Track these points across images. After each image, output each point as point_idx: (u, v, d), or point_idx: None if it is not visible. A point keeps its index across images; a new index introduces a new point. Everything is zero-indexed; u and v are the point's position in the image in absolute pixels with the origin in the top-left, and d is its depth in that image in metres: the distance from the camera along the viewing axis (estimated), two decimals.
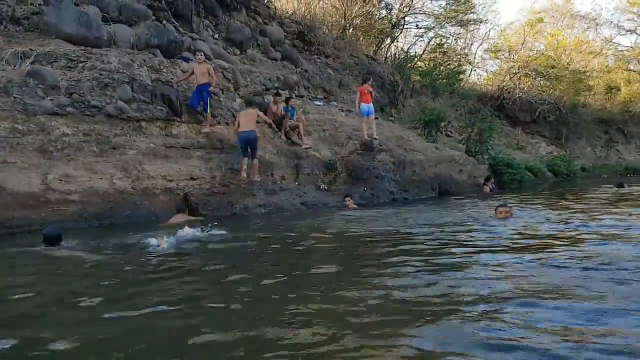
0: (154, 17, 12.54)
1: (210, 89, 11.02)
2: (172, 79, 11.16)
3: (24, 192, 7.66)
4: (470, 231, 6.31)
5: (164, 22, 12.85)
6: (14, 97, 8.64)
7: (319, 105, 16.15)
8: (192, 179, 9.92)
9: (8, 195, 7.49)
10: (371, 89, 14.06)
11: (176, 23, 13.28)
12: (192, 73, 11.08)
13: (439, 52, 27.19)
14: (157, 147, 9.82)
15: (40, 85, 9.09)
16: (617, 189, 13.37)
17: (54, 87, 9.20)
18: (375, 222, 8.01)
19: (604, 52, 38.54)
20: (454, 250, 5.05)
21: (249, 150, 10.49)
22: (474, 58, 32.98)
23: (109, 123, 9.44)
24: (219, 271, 4.48)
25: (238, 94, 13.14)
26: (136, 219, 8.41)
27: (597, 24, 38.57)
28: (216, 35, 15.05)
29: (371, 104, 13.73)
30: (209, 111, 10.99)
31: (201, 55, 11.28)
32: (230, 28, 15.39)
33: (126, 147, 9.35)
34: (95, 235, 6.81)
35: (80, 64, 9.98)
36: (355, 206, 10.88)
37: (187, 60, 12.27)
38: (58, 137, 8.65)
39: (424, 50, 27.06)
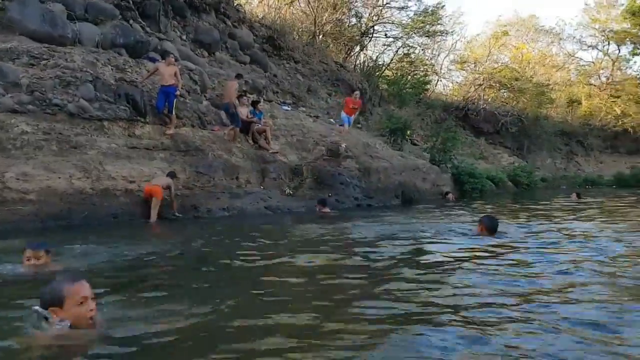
0: (120, 17, 12.38)
1: (177, 93, 10.96)
2: (137, 79, 11.04)
3: None
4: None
5: (131, 21, 12.70)
6: None
7: (287, 110, 16.22)
8: None
9: None
10: (356, 105, 14.84)
11: (143, 23, 13.14)
12: (155, 71, 10.99)
13: (406, 61, 27.62)
14: (119, 147, 9.68)
15: (1, 82, 8.87)
16: (577, 198, 14.03)
17: (15, 85, 8.99)
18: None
19: (566, 66, 39.94)
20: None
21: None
22: (441, 68, 33.64)
23: (70, 122, 9.27)
24: None
25: (205, 96, 13.09)
26: (94, 221, 8.27)
27: (561, 39, 40.04)
28: (184, 37, 14.95)
29: (352, 117, 14.52)
30: (174, 113, 10.92)
31: (172, 57, 11.23)
32: (198, 30, 15.31)
33: (87, 146, 9.18)
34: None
35: (43, 62, 9.78)
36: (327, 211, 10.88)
37: (153, 60, 12.16)
38: (17, 135, 8.45)
39: (392, 60, 27.45)
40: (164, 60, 11.26)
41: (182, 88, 11.50)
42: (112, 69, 10.66)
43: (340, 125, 15.70)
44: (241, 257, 5.29)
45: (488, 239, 6.11)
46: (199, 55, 14.77)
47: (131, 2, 12.84)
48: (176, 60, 12.72)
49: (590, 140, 36.65)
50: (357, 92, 15.67)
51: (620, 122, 36.10)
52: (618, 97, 36.62)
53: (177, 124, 11.15)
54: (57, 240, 5.94)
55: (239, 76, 13.04)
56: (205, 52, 15.28)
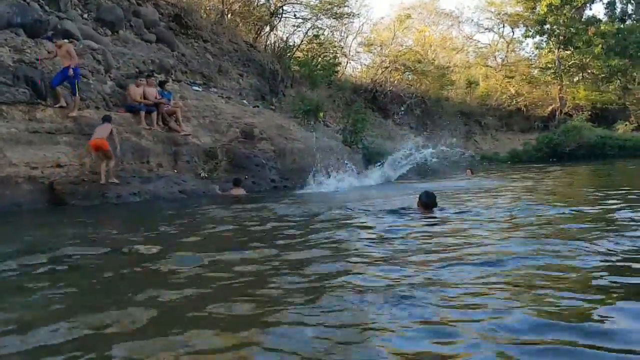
0: None
1: (80, 71, 10.35)
2: (36, 60, 10.30)
3: None
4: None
5: (29, 0, 11.77)
6: None
7: (197, 90, 15.80)
8: (58, 166, 9.34)
9: None
10: None
11: (42, 1, 12.24)
12: (56, 55, 10.35)
13: (316, 43, 27.79)
14: (20, 132, 9.07)
15: None
16: (470, 174, 15.15)
17: None
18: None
19: (465, 48, 42.09)
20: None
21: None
22: (349, 51, 34.17)
23: None
24: None
25: (109, 77, 12.47)
26: None
27: (460, 22, 42.09)
28: (85, 15, 14.07)
29: None
30: (77, 94, 10.32)
31: (60, 40, 10.54)
32: (100, 8, 14.48)
33: None
34: None
35: None
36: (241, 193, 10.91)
37: (51, 39, 11.37)
38: None
39: (302, 41, 27.51)
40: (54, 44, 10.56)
41: (83, 67, 10.89)
42: (9, 50, 9.88)
43: None
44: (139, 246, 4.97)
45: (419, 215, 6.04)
46: (102, 34, 13.98)
47: None
48: (77, 39, 12.04)
49: (487, 120, 39.03)
50: None
51: (514, 102, 38.81)
52: (512, 77, 39.25)
53: (80, 106, 10.57)
54: None
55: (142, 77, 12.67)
56: (108, 31, 14.48)
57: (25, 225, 7.08)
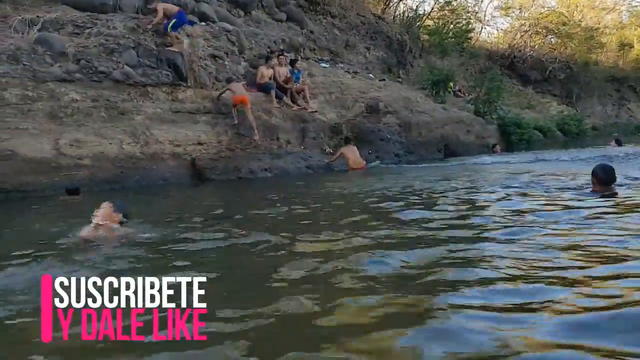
0: None
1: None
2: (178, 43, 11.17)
3: (36, 158, 7.91)
4: None
5: None
6: (23, 64, 8.77)
7: (325, 67, 16.10)
8: (199, 143, 10.09)
9: (21, 160, 7.74)
10: None
11: None
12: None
13: (448, 10, 26.69)
14: (164, 112, 9.96)
15: (49, 52, 9.21)
16: (616, 145, 13.26)
17: (62, 54, 9.32)
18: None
19: (617, 8, 37.69)
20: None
21: None
22: (484, 16, 32.38)
23: (116, 88, 9.57)
24: None
25: (243, 57, 13.15)
26: (146, 183, 8.67)
27: None
28: None
29: None
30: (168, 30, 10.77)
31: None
32: None
33: (134, 112, 9.50)
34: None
35: (87, 30, 10.05)
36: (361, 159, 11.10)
37: (191, 23, 12.23)
38: (68, 103, 8.82)
39: (432, 8, 26.59)
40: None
41: (219, 49, 11.63)
42: (152, 35, 10.81)
43: None
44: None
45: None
46: (235, 15, 14.75)
47: None
48: (213, 21, 12.83)
49: None
50: None
51: None
52: None
53: (217, 87, 11.31)
54: None
55: (268, 59, 12.93)
56: (241, 12, 15.23)
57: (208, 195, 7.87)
